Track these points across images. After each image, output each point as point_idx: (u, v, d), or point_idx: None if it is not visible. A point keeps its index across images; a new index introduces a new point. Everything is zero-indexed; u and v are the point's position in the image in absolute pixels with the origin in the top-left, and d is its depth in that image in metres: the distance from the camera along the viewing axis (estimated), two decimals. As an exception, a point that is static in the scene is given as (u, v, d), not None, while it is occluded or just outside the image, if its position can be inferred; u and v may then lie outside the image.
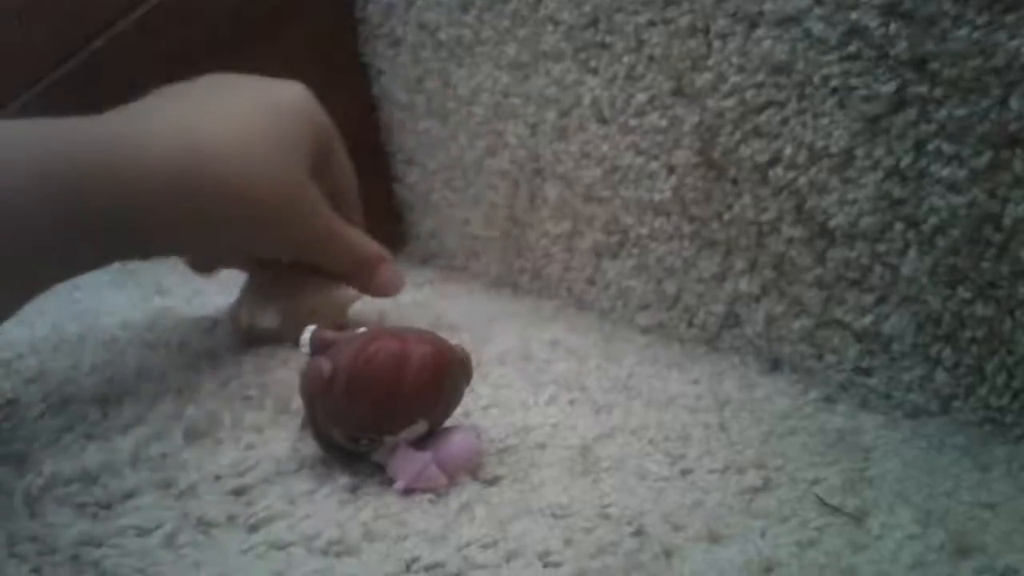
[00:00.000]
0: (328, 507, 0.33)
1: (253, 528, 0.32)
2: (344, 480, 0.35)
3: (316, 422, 0.35)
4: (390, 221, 0.89)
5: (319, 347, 0.36)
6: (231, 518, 0.32)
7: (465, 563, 0.29)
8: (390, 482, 0.35)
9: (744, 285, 0.55)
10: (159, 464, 0.35)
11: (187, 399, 0.41)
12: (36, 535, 0.30)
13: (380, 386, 0.33)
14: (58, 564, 0.29)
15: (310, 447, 0.37)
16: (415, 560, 0.29)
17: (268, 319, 0.50)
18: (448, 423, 0.37)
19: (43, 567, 0.29)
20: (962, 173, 0.43)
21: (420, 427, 0.35)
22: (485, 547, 0.30)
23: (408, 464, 0.34)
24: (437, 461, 0.35)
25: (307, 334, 0.36)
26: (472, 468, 0.36)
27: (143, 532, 0.31)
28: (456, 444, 0.36)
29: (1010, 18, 0.41)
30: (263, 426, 0.40)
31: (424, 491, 0.34)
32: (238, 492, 0.34)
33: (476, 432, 0.37)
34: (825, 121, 0.49)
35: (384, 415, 0.34)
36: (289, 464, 0.36)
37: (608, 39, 0.61)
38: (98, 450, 0.36)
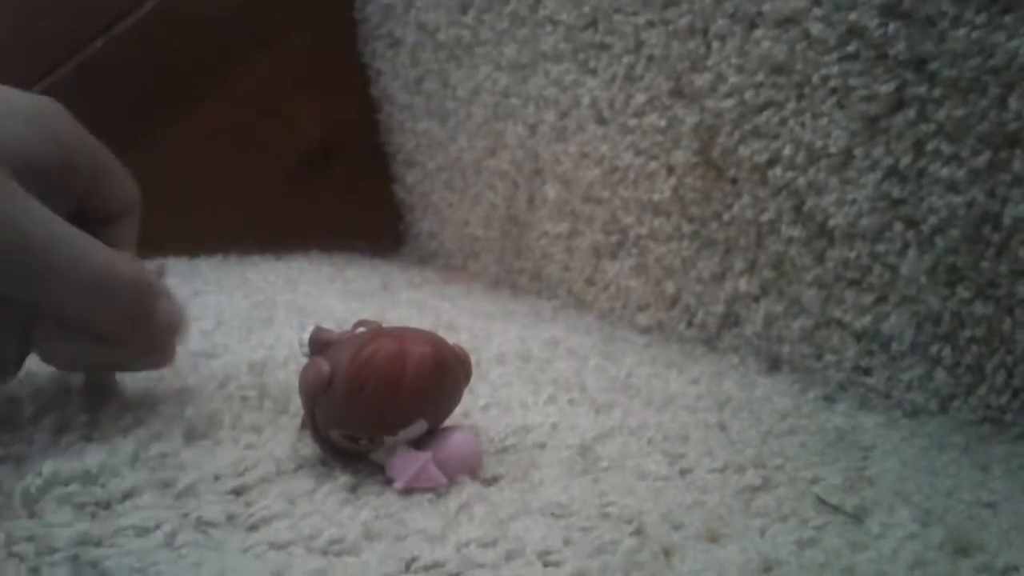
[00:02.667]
0: (328, 507, 0.33)
1: (253, 528, 0.32)
2: (344, 480, 0.35)
3: (315, 423, 0.35)
4: (390, 221, 0.89)
5: (318, 347, 0.36)
6: (231, 518, 0.32)
7: (465, 562, 0.29)
8: (390, 482, 0.35)
9: (743, 285, 0.55)
10: (158, 464, 0.35)
11: (186, 399, 0.41)
12: (35, 535, 0.30)
13: (379, 386, 0.33)
14: (57, 564, 0.29)
15: (309, 447, 0.37)
16: (414, 559, 0.29)
17: None
18: (447, 423, 0.37)
19: (42, 567, 0.29)
20: (961, 173, 0.43)
21: (419, 427, 0.35)
22: (484, 546, 0.30)
23: (407, 464, 0.34)
24: (436, 461, 0.35)
25: (306, 334, 0.36)
26: (471, 469, 0.36)
27: (142, 532, 0.31)
28: (455, 444, 0.35)
29: (1009, 18, 0.41)
30: (262, 426, 0.39)
31: (423, 491, 0.34)
32: (237, 492, 0.34)
33: (475, 433, 0.37)
34: (824, 121, 0.49)
35: (383, 415, 0.34)
36: (288, 464, 0.36)
37: (607, 40, 0.61)
38: (97, 450, 0.36)
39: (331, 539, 0.31)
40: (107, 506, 0.32)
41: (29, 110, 0.37)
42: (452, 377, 0.35)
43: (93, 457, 0.35)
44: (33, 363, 0.46)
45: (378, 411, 0.34)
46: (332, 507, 0.33)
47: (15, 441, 0.36)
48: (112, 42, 0.77)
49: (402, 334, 0.35)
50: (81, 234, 0.34)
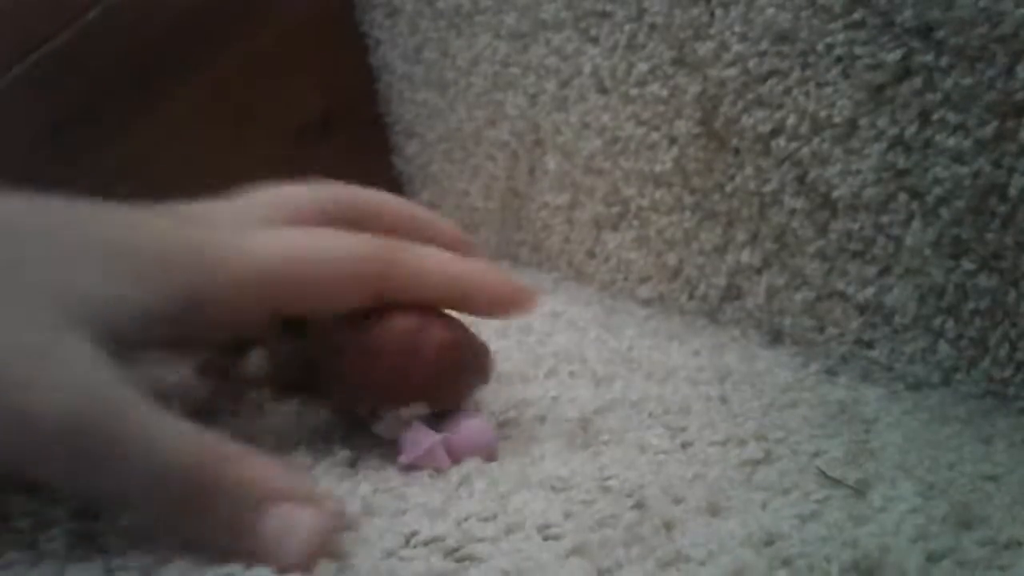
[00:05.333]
0: (327, 481, 0.33)
1: (251, 502, 0.32)
2: (343, 454, 0.35)
3: (323, 382, 0.35)
4: (389, 193, 0.88)
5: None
6: (229, 492, 0.32)
7: (464, 537, 0.29)
8: (390, 456, 0.34)
9: (745, 257, 0.54)
10: (157, 438, 0.35)
11: (184, 373, 0.41)
12: (32, 509, 0.30)
13: (386, 360, 0.33)
14: (54, 538, 0.29)
15: (309, 421, 0.37)
16: (414, 534, 0.29)
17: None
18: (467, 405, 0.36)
19: (39, 541, 0.28)
20: (967, 143, 0.43)
21: (419, 408, 0.34)
22: (484, 520, 0.30)
23: (418, 441, 0.34)
24: (449, 443, 0.34)
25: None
26: (484, 457, 0.35)
27: (141, 506, 0.31)
28: (471, 431, 0.35)
29: (1018, -16, 0.40)
30: (262, 401, 0.39)
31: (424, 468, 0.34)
32: (236, 466, 0.34)
33: (493, 424, 0.37)
34: (829, 90, 0.48)
35: (382, 390, 0.34)
36: (288, 438, 0.36)
37: (609, 7, 0.60)
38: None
39: (330, 513, 0.31)
40: (105, 480, 0.32)
41: (149, 253, 0.31)
42: (464, 370, 0.35)
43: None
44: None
45: (378, 384, 0.33)
46: (331, 482, 0.33)
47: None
48: (106, 13, 0.76)
49: (427, 312, 0.34)
50: (148, 416, 0.28)
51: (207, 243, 0.32)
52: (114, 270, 0.29)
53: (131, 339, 0.29)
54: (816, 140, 0.49)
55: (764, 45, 0.51)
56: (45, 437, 0.26)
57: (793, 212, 0.51)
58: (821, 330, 0.51)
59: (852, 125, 0.47)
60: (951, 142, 0.43)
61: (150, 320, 0.30)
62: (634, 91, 0.59)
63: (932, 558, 0.29)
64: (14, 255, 0.28)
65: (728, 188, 0.54)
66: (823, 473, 0.35)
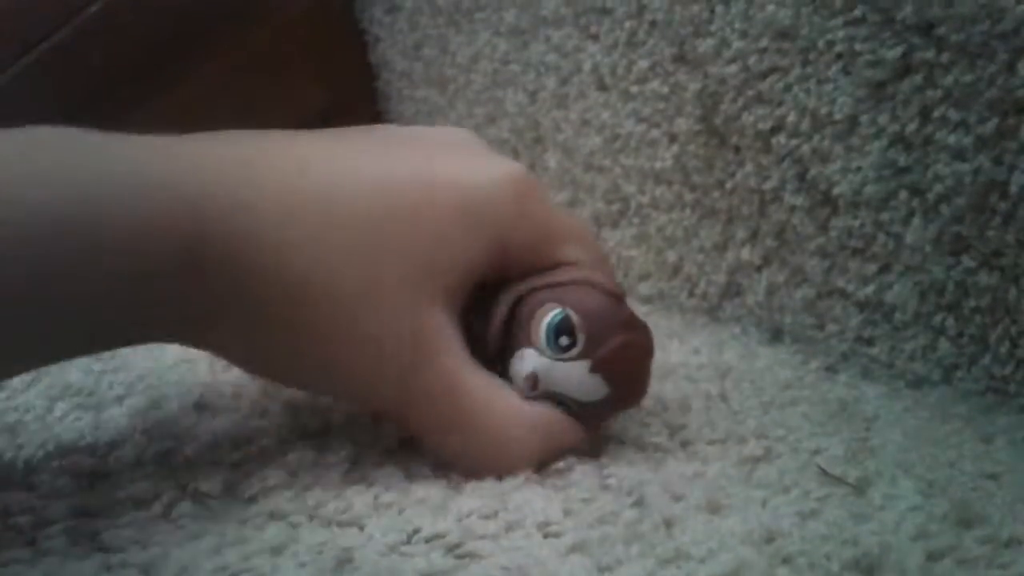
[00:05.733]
0: (329, 478, 0.33)
1: (252, 499, 0.32)
2: (345, 452, 0.35)
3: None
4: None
5: None
6: (229, 489, 0.32)
7: (465, 534, 0.29)
8: (391, 454, 0.34)
9: (746, 254, 0.54)
10: (157, 434, 0.35)
11: (186, 368, 0.41)
12: (31, 506, 0.30)
13: (632, 354, 0.34)
14: (53, 536, 0.29)
15: (311, 418, 0.37)
16: (416, 531, 0.29)
17: None
18: None
19: (38, 539, 0.28)
20: (968, 140, 0.43)
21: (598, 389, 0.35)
22: (485, 518, 0.30)
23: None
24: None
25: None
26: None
27: (140, 503, 0.31)
28: None
29: (1019, -19, 0.40)
30: (264, 397, 0.39)
31: (424, 463, 0.34)
32: (237, 463, 0.34)
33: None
34: (829, 87, 0.48)
35: (610, 364, 0.34)
36: (289, 435, 0.36)
37: (609, 4, 0.60)
38: (94, 420, 0.35)
39: (332, 511, 0.31)
40: (105, 477, 0.32)
41: (473, 209, 0.32)
42: (638, 382, 0.36)
43: (90, 427, 0.35)
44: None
45: (614, 359, 0.34)
46: (333, 479, 0.33)
47: (11, 410, 0.36)
48: (106, 9, 0.76)
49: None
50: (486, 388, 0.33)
51: (512, 187, 0.33)
52: (444, 234, 0.31)
53: (460, 292, 0.32)
54: (816, 137, 0.49)
55: (764, 42, 0.50)
56: (426, 398, 0.32)
57: (793, 209, 0.51)
58: (821, 327, 0.51)
59: (853, 122, 0.47)
60: (952, 139, 0.43)
61: (474, 270, 0.32)
62: (634, 88, 0.59)
63: (932, 556, 0.29)
64: (376, 248, 0.31)
65: (728, 185, 0.54)
66: (823, 471, 0.35)
